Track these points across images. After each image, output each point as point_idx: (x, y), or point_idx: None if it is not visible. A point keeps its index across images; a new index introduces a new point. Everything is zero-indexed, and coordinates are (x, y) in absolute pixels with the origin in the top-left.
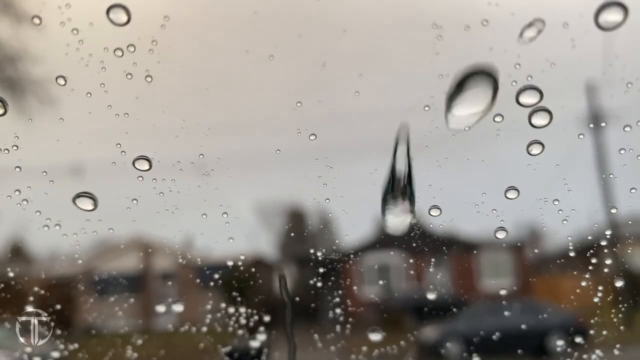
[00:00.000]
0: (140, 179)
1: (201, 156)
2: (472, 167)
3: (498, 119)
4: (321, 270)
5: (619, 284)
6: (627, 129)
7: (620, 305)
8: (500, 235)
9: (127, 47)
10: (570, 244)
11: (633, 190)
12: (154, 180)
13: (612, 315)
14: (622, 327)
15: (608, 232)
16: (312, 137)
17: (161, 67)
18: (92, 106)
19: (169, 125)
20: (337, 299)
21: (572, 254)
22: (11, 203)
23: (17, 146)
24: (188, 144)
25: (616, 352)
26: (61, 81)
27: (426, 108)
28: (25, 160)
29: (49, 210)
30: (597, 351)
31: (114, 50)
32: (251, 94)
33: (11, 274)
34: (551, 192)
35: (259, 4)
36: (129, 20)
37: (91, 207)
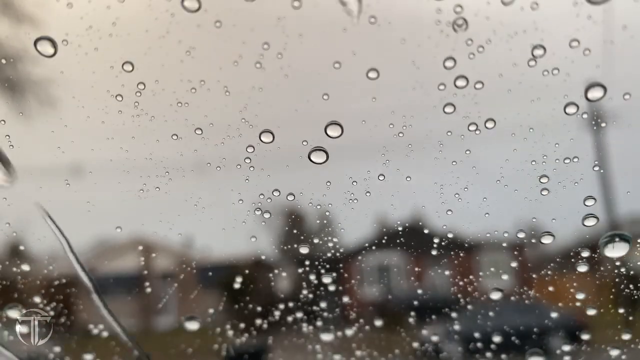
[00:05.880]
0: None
1: (202, 156)
2: (472, 168)
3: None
4: (321, 270)
5: (619, 284)
6: (629, 125)
7: (620, 305)
8: (501, 235)
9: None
10: (570, 244)
11: (629, 192)
12: (155, 181)
13: (612, 315)
14: (622, 327)
15: (608, 232)
16: (308, 144)
17: (161, 66)
18: (93, 106)
19: (169, 125)
20: (337, 299)
21: (571, 254)
22: (10, 203)
23: (17, 146)
24: (189, 144)
25: (616, 352)
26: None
27: (429, 109)
28: (25, 161)
29: (48, 210)
30: (597, 351)
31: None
32: (251, 94)
33: (12, 274)
34: (550, 191)
35: (256, 4)
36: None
37: None
